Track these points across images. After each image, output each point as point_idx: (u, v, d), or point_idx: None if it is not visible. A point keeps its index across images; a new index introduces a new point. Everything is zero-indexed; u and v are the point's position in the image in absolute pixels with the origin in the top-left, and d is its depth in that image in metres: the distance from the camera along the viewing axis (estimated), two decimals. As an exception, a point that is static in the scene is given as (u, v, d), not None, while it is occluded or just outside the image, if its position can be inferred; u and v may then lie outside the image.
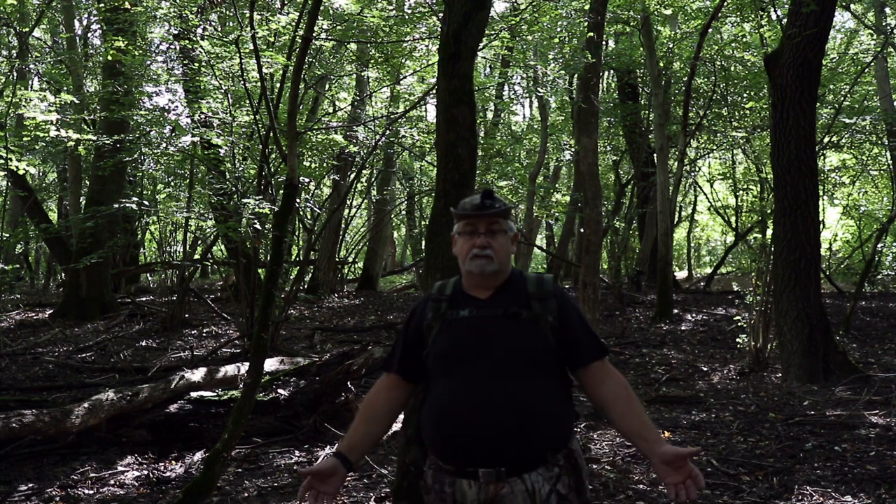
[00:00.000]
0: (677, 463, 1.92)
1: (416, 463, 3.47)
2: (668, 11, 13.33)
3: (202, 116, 9.12)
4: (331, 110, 15.44)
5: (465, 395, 1.98)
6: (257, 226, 7.99)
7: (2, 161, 8.94)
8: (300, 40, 4.44)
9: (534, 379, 2.01)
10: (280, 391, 5.97)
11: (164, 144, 10.75)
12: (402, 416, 3.52)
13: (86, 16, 16.91)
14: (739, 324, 8.64)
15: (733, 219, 20.41)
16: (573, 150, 14.94)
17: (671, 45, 14.81)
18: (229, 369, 6.50)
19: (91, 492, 4.41)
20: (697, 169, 21.45)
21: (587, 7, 10.30)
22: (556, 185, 20.31)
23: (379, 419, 2.16)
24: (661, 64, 14.17)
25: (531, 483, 1.94)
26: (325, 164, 14.85)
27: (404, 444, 3.49)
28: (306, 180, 11.55)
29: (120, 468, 4.79)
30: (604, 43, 11.81)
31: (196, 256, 13.22)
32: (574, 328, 2.09)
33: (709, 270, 22.22)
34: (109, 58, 9.03)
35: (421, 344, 2.12)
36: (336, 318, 12.19)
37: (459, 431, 1.96)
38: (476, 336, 2.04)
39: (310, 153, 12.89)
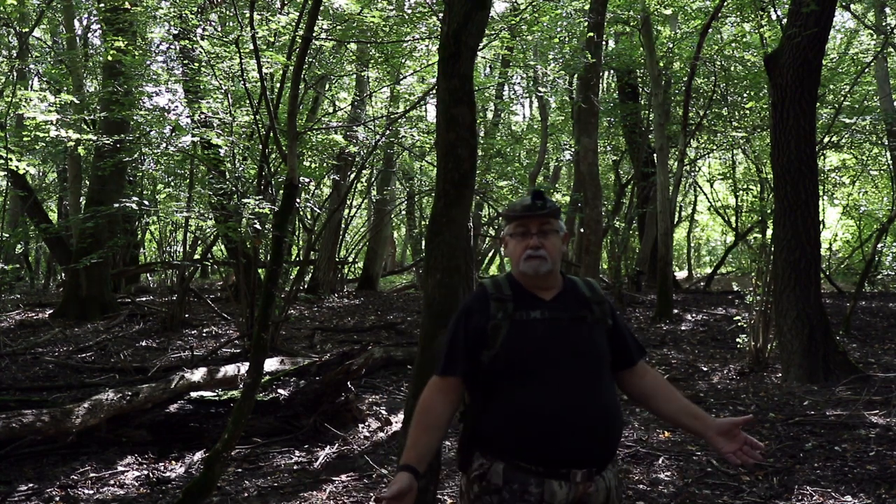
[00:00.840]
0: (733, 432, 2.06)
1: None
2: (668, 11, 13.33)
3: (202, 116, 9.12)
4: (331, 110, 15.44)
5: (557, 397, 1.99)
6: (257, 226, 7.99)
7: (2, 161, 8.94)
8: (300, 40, 4.44)
9: (605, 379, 2.11)
10: (280, 391, 5.97)
11: (164, 144, 10.75)
12: (401, 416, 3.51)
13: (86, 16, 16.91)
14: (739, 324, 8.64)
15: (733, 219, 20.41)
16: (573, 150, 14.93)
17: (671, 45, 14.81)
18: (229, 369, 6.50)
19: (91, 492, 4.41)
20: (697, 169, 21.44)
21: (587, 7, 10.31)
22: (556, 185, 20.31)
23: (440, 426, 2.07)
24: (661, 64, 14.16)
25: (608, 479, 2.06)
26: (325, 164, 14.85)
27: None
28: (306, 180, 11.55)
29: (120, 468, 4.80)
30: (604, 43, 11.84)
31: (196, 256, 13.22)
32: (624, 331, 2.22)
33: (709, 270, 22.21)
34: (109, 58, 9.03)
35: (483, 345, 2.06)
36: (336, 318, 12.19)
37: (556, 433, 1.97)
38: (553, 338, 2.06)
39: (310, 153, 12.89)
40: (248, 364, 4.30)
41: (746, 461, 2.04)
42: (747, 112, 15.29)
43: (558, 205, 2.18)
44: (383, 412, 6.05)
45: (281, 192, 7.59)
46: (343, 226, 18.07)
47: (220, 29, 10.41)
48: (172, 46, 12.81)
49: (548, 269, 2.10)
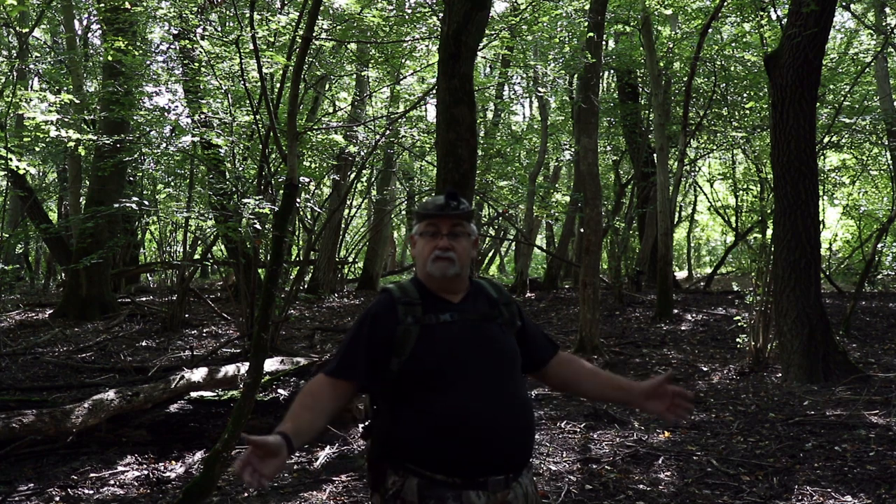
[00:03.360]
0: (659, 391, 2.07)
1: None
2: (669, 11, 13.32)
3: (202, 116, 9.13)
4: (331, 110, 15.44)
5: (472, 402, 1.91)
6: (257, 226, 7.98)
7: (2, 161, 8.94)
8: (300, 40, 4.44)
9: (518, 381, 2.06)
10: (280, 391, 5.97)
11: (164, 144, 10.76)
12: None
13: (86, 16, 16.91)
14: (739, 324, 8.64)
15: (733, 219, 20.40)
16: (573, 150, 14.93)
17: (671, 45, 14.81)
18: (229, 369, 6.49)
19: (91, 492, 4.41)
20: (697, 169, 21.43)
21: (587, 7, 10.30)
22: (556, 185, 20.29)
23: (324, 415, 1.91)
24: (661, 64, 14.16)
25: (524, 485, 1.99)
26: (325, 164, 14.86)
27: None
28: (306, 180, 11.55)
29: (120, 468, 4.80)
30: (604, 43, 11.82)
31: (196, 256, 13.23)
32: (533, 331, 2.19)
33: (709, 270, 22.21)
34: (109, 58, 9.03)
35: (391, 351, 1.94)
36: (336, 318, 12.20)
37: (474, 440, 1.89)
38: (465, 340, 1.99)
39: (310, 153, 12.89)
40: (248, 364, 4.30)
41: (682, 415, 2.06)
42: (747, 112, 15.28)
43: (471, 208, 2.09)
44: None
45: (281, 192, 7.59)
46: (343, 226, 18.07)
47: (220, 29, 10.41)
48: (172, 46, 12.81)
49: (455, 272, 2.02)
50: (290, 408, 1.90)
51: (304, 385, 1.94)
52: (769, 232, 11.60)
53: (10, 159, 8.93)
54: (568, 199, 17.19)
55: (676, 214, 21.68)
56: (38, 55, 16.38)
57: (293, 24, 7.48)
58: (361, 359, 1.95)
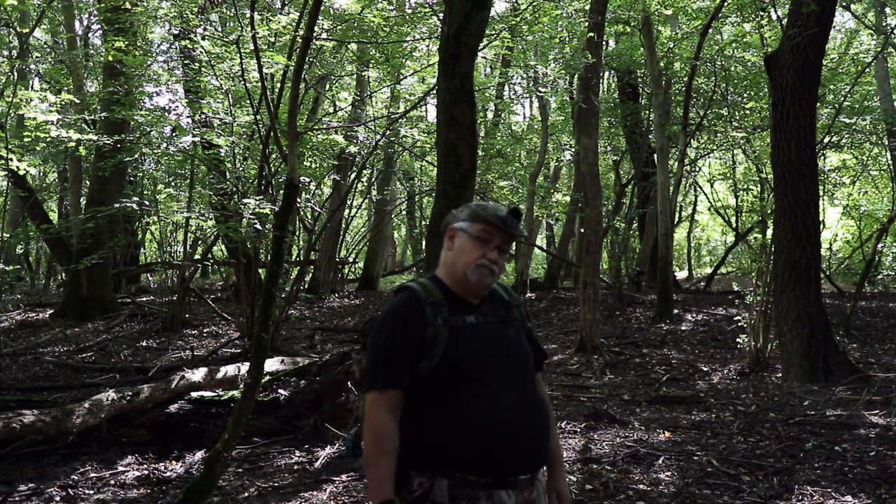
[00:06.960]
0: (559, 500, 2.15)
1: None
2: (669, 12, 13.33)
3: (203, 116, 9.13)
4: (331, 110, 15.44)
5: (501, 403, 1.94)
6: (258, 226, 7.98)
7: (2, 161, 8.94)
8: (300, 40, 4.44)
9: (535, 382, 2.12)
10: (280, 391, 5.97)
11: (165, 144, 10.75)
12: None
13: (86, 16, 16.92)
14: (739, 324, 8.64)
15: (733, 219, 20.40)
16: (573, 150, 14.92)
17: (671, 46, 14.80)
18: (230, 369, 6.50)
19: (91, 492, 4.42)
20: (697, 169, 21.42)
21: (587, 7, 10.31)
22: (557, 185, 20.29)
23: (396, 449, 1.93)
24: (662, 64, 14.16)
25: (542, 482, 2.06)
26: (325, 164, 14.86)
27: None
28: (307, 180, 11.55)
29: (120, 468, 4.80)
30: (604, 43, 11.81)
31: (196, 256, 13.23)
32: (534, 336, 2.22)
33: (709, 270, 22.20)
34: (110, 58, 9.03)
35: (421, 353, 1.95)
36: (336, 318, 12.20)
37: (506, 441, 1.92)
38: (494, 342, 2.03)
39: (310, 153, 12.89)
40: (248, 364, 4.31)
41: None
42: (747, 112, 15.28)
43: (524, 232, 2.16)
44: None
45: (281, 192, 7.60)
46: (343, 226, 18.07)
47: (220, 29, 10.42)
48: (173, 46, 12.81)
49: (491, 283, 2.06)
50: (373, 459, 1.91)
51: (367, 422, 1.95)
52: (769, 232, 11.60)
53: (11, 159, 8.93)
54: (568, 199, 17.19)
55: (677, 214, 21.67)
56: (39, 55, 16.39)
57: (293, 24, 7.49)
58: (406, 363, 1.95)
